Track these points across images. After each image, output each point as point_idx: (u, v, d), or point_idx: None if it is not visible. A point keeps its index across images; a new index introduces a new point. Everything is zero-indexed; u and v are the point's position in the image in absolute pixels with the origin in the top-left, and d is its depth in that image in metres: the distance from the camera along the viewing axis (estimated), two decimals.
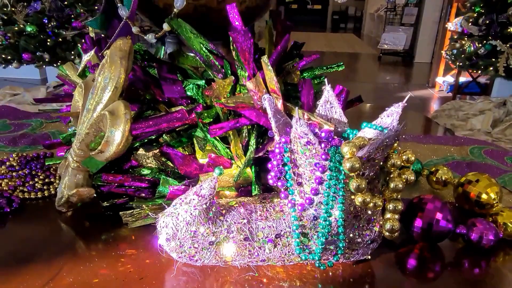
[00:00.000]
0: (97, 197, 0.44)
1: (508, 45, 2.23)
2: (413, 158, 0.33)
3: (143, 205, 0.42)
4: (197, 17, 0.47)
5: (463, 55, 2.51)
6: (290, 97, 0.50)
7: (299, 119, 0.30)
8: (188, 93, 0.43)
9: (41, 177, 0.50)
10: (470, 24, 2.45)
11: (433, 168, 0.50)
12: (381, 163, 0.33)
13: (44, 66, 2.48)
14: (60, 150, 0.54)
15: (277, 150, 0.33)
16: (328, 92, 0.39)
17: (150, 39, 0.42)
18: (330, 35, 8.08)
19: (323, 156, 0.31)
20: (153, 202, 0.41)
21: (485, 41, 2.32)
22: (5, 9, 2.33)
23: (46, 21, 2.34)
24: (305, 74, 0.55)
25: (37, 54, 2.42)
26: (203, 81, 0.42)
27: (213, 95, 0.39)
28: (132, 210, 0.42)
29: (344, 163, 0.30)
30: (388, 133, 0.30)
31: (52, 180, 0.50)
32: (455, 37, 2.69)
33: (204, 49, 0.41)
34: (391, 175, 0.33)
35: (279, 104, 0.39)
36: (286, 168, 0.34)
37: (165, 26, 0.41)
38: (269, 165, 0.35)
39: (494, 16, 2.25)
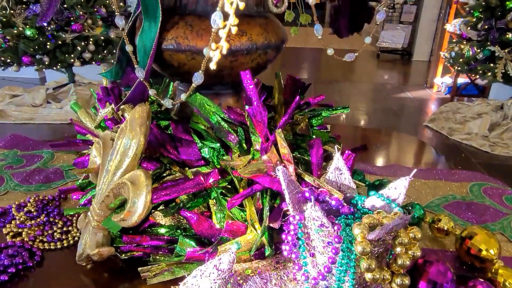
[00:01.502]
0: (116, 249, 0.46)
1: (506, 51, 2.25)
2: (419, 235, 0.35)
3: (161, 261, 0.44)
4: (209, 73, 0.49)
5: (461, 59, 2.52)
6: (298, 147, 0.52)
7: (313, 205, 0.33)
8: (203, 155, 0.45)
9: (59, 224, 0.52)
10: (469, 28, 2.46)
11: (436, 217, 0.52)
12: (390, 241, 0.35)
13: (44, 69, 2.48)
14: (76, 194, 0.56)
15: (291, 227, 0.36)
16: (338, 160, 0.41)
17: (168, 104, 0.44)
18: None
19: (336, 239, 0.33)
20: (171, 259, 0.44)
21: (483, 47, 2.33)
22: (4, 12, 2.32)
23: (45, 24, 2.33)
24: (313, 122, 0.57)
25: (37, 57, 2.41)
26: (218, 145, 0.44)
27: (229, 166, 0.41)
28: (151, 266, 0.44)
29: (355, 246, 0.32)
30: (398, 221, 0.32)
31: (70, 228, 0.52)
32: (454, 40, 2.70)
33: (219, 118, 0.42)
34: (398, 252, 0.35)
35: (291, 169, 0.41)
36: (300, 242, 0.36)
37: (183, 96, 0.43)
38: (283, 236, 0.37)
39: (493, 22, 2.26)
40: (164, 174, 0.44)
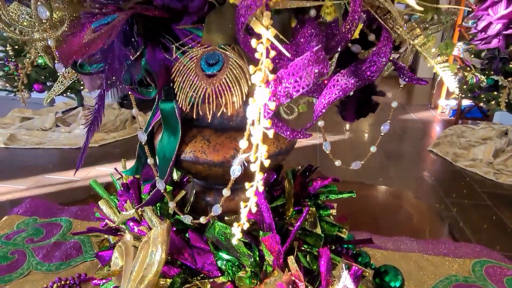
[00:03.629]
0: None
1: (510, 80, 2.27)
2: None
3: None
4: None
5: (465, 86, 2.55)
6: (306, 242, 0.55)
7: None
8: (219, 265, 0.48)
9: None
10: (472, 56, 2.49)
11: None
12: None
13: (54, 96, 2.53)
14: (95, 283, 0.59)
15: None
16: (345, 278, 0.44)
17: (187, 221, 0.47)
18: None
19: None
20: None
21: (486, 75, 2.35)
22: (17, 40, 2.38)
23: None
24: (322, 213, 0.60)
25: (47, 84, 2.47)
26: (234, 257, 0.47)
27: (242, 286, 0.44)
28: None
29: None
30: None
31: None
32: (458, 66, 2.73)
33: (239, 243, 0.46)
34: None
35: (302, 286, 0.44)
36: None
37: (202, 220, 0.46)
38: None
39: (496, 52, 2.29)
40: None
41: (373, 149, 0.51)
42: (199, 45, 0.37)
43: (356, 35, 0.42)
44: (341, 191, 0.64)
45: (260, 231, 0.45)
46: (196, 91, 0.35)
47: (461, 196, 2.16)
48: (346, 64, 0.48)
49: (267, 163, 0.30)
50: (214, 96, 0.34)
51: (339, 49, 0.39)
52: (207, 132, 0.50)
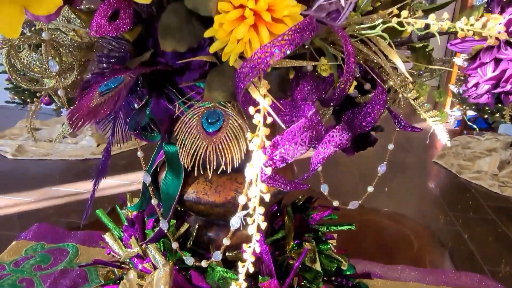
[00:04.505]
0: None
1: None
2: None
3: None
4: None
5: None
6: (305, 279, 0.57)
7: None
8: None
9: None
10: None
11: None
12: None
13: (61, 110, 2.57)
14: None
15: None
16: None
17: (189, 262, 0.49)
18: None
19: None
20: None
21: None
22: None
23: None
24: (322, 247, 0.62)
25: (54, 98, 2.51)
26: None
27: None
28: None
29: None
30: None
31: None
32: (462, 78, 2.73)
33: None
34: None
35: None
36: None
37: (203, 263, 0.47)
38: None
39: None
40: None
41: (370, 189, 0.52)
42: (200, 102, 0.38)
43: (352, 88, 0.43)
44: (341, 223, 0.66)
45: (260, 276, 0.47)
46: (197, 149, 0.37)
47: (465, 210, 2.15)
48: (343, 107, 0.49)
49: (263, 225, 0.32)
50: (214, 154, 0.36)
51: (336, 103, 0.41)
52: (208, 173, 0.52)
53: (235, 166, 0.37)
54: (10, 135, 2.99)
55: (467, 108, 2.59)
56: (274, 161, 0.32)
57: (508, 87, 0.35)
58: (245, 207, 0.34)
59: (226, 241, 0.42)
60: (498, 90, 0.36)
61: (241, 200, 0.34)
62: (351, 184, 2.34)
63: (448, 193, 2.36)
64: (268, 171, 0.31)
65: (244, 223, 0.33)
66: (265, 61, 0.32)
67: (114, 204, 0.76)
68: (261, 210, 0.32)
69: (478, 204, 2.22)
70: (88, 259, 0.77)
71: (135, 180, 2.33)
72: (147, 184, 0.51)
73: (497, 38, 0.33)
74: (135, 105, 0.45)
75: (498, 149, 2.68)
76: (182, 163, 0.37)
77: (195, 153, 0.37)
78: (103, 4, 0.38)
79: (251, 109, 0.32)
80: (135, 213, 0.61)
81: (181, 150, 0.38)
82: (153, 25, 0.41)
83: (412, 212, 2.14)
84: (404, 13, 0.36)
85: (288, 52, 0.32)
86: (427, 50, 0.44)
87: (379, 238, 0.86)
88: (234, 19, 0.33)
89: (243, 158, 0.36)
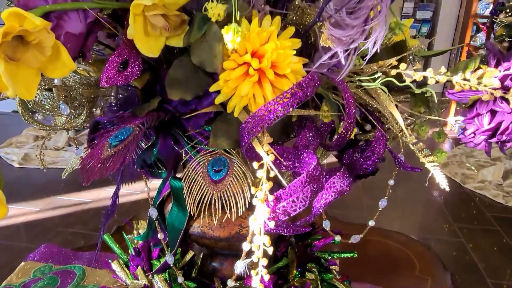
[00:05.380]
0: None
1: None
2: None
3: None
4: None
5: None
6: None
7: None
8: None
9: None
10: None
11: None
12: None
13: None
14: None
15: None
16: None
17: None
18: None
19: None
20: None
21: None
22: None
23: None
24: (324, 277, 0.63)
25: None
26: None
27: None
28: None
29: None
30: None
31: None
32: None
33: None
34: None
35: None
36: None
37: None
38: None
39: None
40: None
41: (371, 223, 0.53)
42: (205, 149, 0.40)
43: (353, 134, 0.44)
44: (343, 251, 0.67)
45: None
46: (203, 197, 0.38)
47: (469, 221, 2.15)
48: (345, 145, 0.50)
49: (266, 277, 0.33)
50: (219, 203, 0.37)
51: (338, 148, 0.42)
52: (213, 208, 0.53)
53: (239, 215, 0.38)
54: (16, 143, 3.02)
55: None
56: (277, 214, 0.33)
57: (504, 138, 0.36)
58: (249, 252, 0.36)
59: (230, 283, 0.43)
60: (494, 140, 0.37)
61: (245, 246, 0.36)
62: (354, 196, 2.35)
63: (452, 203, 2.36)
64: (271, 224, 0.32)
65: (248, 273, 0.35)
66: (269, 118, 0.33)
67: (119, 214, 0.77)
68: (264, 262, 0.33)
69: (482, 215, 2.22)
70: (95, 281, 0.79)
71: (140, 189, 2.35)
72: (153, 219, 0.52)
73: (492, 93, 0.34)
74: (143, 145, 0.47)
75: (502, 158, 2.67)
76: (188, 209, 0.39)
77: (201, 200, 0.38)
78: (113, 56, 0.39)
79: (255, 164, 0.33)
80: (141, 242, 0.62)
81: (187, 196, 0.39)
82: (161, 72, 0.43)
83: (415, 222, 2.13)
84: (403, 65, 0.37)
85: (291, 109, 0.33)
86: (426, 95, 0.45)
87: (381, 260, 0.87)
88: (239, 76, 0.34)
89: (247, 206, 0.38)
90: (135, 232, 0.64)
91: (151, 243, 0.62)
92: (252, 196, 0.38)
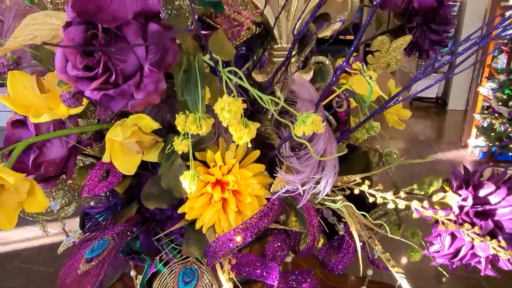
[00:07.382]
0: None
1: None
2: None
3: None
4: None
5: (493, 134, 2.48)
6: None
7: None
8: None
9: None
10: (499, 104, 2.43)
11: None
12: None
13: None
14: None
15: None
16: None
17: None
18: None
19: None
20: None
21: None
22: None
23: None
24: None
25: None
26: None
27: None
28: None
29: None
30: None
31: None
32: (486, 111, 2.67)
33: None
34: None
35: None
36: None
37: None
38: None
39: None
40: None
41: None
42: (178, 256, 0.42)
43: (321, 243, 0.46)
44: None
45: None
46: None
47: None
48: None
49: None
50: None
51: (308, 255, 0.43)
52: None
53: None
54: None
55: (490, 144, 2.52)
56: None
57: (463, 262, 0.36)
58: None
59: None
60: (456, 261, 0.37)
61: None
62: None
63: None
64: None
65: None
66: (229, 247, 0.35)
67: None
68: None
69: None
70: None
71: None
72: None
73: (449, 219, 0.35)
74: (128, 236, 0.50)
75: None
76: None
77: None
78: (95, 170, 0.43)
79: (222, 279, 0.35)
80: None
81: None
82: (141, 178, 0.46)
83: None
84: (365, 187, 0.38)
85: (250, 239, 0.35)
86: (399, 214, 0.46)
87: None
88: (203, 204, 0.37)
89: None
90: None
91: None
92: None
